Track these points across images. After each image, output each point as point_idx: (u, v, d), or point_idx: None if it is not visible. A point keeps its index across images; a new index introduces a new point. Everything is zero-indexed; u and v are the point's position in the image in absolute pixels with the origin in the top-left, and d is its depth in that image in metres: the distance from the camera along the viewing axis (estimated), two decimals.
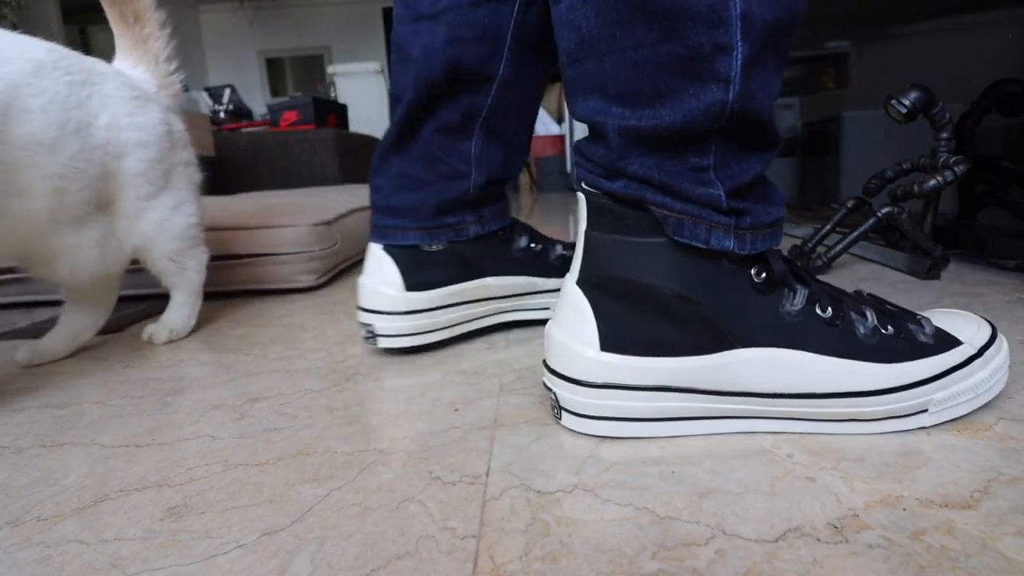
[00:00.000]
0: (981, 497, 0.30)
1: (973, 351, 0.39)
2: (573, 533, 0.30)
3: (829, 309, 0.38)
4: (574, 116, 0.41)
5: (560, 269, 0.66)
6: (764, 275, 0.38)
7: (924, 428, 0.38)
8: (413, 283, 0.58)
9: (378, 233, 0.60)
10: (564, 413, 0.41)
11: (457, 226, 0.60)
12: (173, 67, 0.74)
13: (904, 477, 0.33)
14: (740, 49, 0.32)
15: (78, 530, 0.33)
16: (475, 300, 0.62)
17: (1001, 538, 0.27)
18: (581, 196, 0.41)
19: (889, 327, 0.38)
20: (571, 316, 0.40)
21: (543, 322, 0.67)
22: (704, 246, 0.37)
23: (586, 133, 0.41)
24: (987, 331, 0.40)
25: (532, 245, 0.65)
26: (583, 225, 0.41)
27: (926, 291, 0.72)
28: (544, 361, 0.43)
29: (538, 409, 0.45)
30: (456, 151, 0.58)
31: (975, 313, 0.61)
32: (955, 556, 0.26)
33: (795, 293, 0.38)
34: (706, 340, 0.37)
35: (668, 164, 0.36)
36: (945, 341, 0.39)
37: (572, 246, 0.67)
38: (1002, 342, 0.40)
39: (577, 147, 0.42)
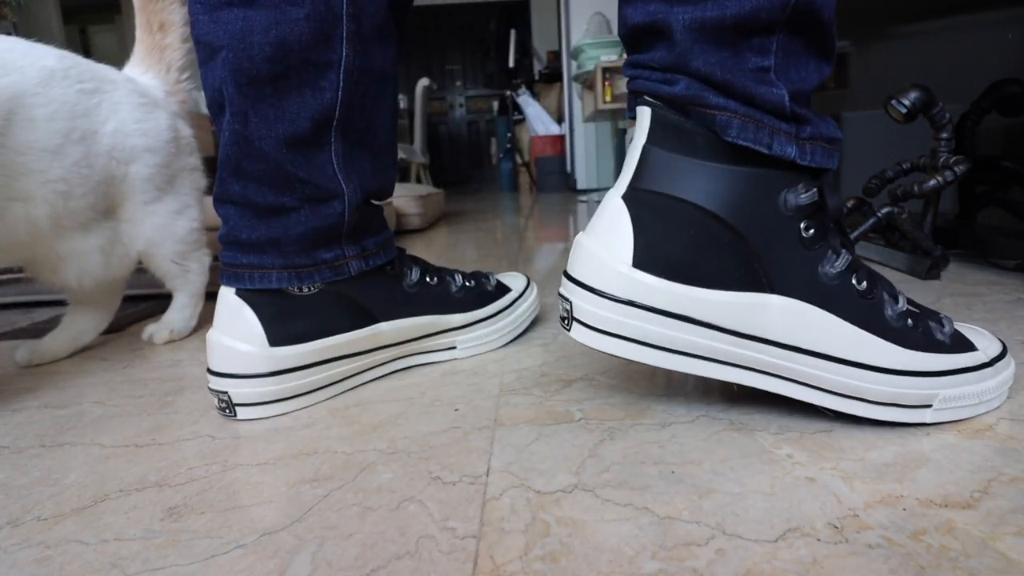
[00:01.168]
0: (981, 497, 0.30)
1: (986, 359, 0.39)
2: (573, 533, 0.30)
3: (864, 283, 0.38)
4: (630, 23, 0.39)
5: (464, 302, 0.57)
6: (812, 231, 0.38)
7: (924, 428, 0.38)
8: (279, 336, 0.47)
9: (229, 275, 0.47)
10: (576, 324, 0.39)
11: (334, 263, 0.49)
12: (185, 75, 0.75)
13: (904, 477, 0.33)
14: None
15: (78, 530, 0.33)
16: (364, 351, 0.52)
17: (1001, 538, 0.27)
18: (645, 109, 0.39)
19: (910, 320, 0.39)
20: (608, 227, 0.39)
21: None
22: (767, 151, 0.36)
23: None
24: (999, 346, 0.41)
25: (428, 279, 0.55)
26: (642, 139, 0.39)
27: (926, 291, 0.72)
28: (565, 271, 0.41)
29: (538, 409, 0.45)
30: (315, 166, 0.47)
31: (975, 313, 0.61)
32: (955, 556, 0.26)
33: (838, 256, 0.38)
34: (742, 277, 0.37)
35: (730, 63, 0.36)
36: (961, 343, 0.39)
37: (474, 276, 0.61)
38: (1011, 361, 0.41)
39: (629, 61, 0.41)
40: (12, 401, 0.54)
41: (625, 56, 0.43)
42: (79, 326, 0.69)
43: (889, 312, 0.38)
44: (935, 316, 0.41)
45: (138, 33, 0.72)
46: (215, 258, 0.80)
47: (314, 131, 0.47)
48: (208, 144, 1.56)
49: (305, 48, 0.45)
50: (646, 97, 0.39)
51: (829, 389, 0.38)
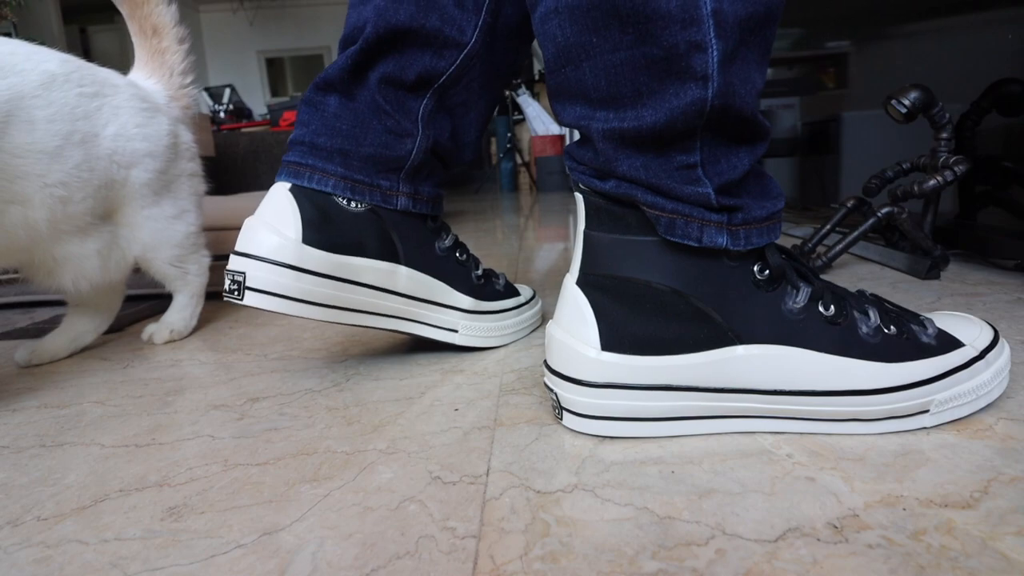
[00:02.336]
0: (981, 497, 0.30)
1: (975, 353, 0.39)
2: (573, 533, 0.30)
3: (832, 307, 0.38)
4: (560, 123, 0.41)
5: (478, 290, 0.59)
6: (767, 272, 0.38)
7: (925, 428, 0.38)
8: (313, 237, 0.48)
9: (288, 171, 0.50)
10: (565, 413, 0.41)
11: (388, 191, 0.52)
12: (188, 80, 0.75)
13: (904, 477, 0.33)
14: (715, 46, 0.33)
15: (78, 530, 0.33)
16: (376, 288, 0.52)
17: (1001, 538, 0.27)
18: (579, 196, 0.41)
19: (892, 327, 0.38)
20: (572, 316, 0.40)
21: (460, 347, 0.60)
22: (697, 244, 0.37)
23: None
24: (990, 334, 0.40)
25: (458, 253, 0.58)
26: (582, 225, 0.41)
27: (926, 291, 0.72)
28: (545, 362, 0.42)
29: (538, 409, 0.45)
30: (404, 108, 0.52)
31: (975, 313, 0.61)
32: (955, 556, 0.26)
33: (798, 291, 0.38)
34: (706, 337, 0.37)
35: (655, 164, 0.36)
36: (948, 342, 0.39)
37: (486, 272, 0.61)
38: (1004, 345, 0.41)
39: (568, 151, 0.42)
40: (12, 401, 0.54)
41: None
42: (79, 327, 0.69)
43: (864, 329, 0.38)
44: (916, 319, 0.40)
45: (134, 40, 0.72)
46: (215, 258, 0.80)
47: (416, 83, 0.52)
48: (208, 144, 1.56)
49: (441, 22, 0.50)
50: (580, 186, 0.40)
51: (823, 419, 0.38)
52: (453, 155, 0.57)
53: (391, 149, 0.52)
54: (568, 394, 0.40)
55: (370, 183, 0.51)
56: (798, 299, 0.37)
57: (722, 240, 0.36)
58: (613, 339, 0.38)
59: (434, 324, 0.57)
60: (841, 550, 0.27)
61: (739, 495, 0.32)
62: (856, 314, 0.38)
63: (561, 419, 0.41)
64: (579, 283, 0.40)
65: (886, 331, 0.38)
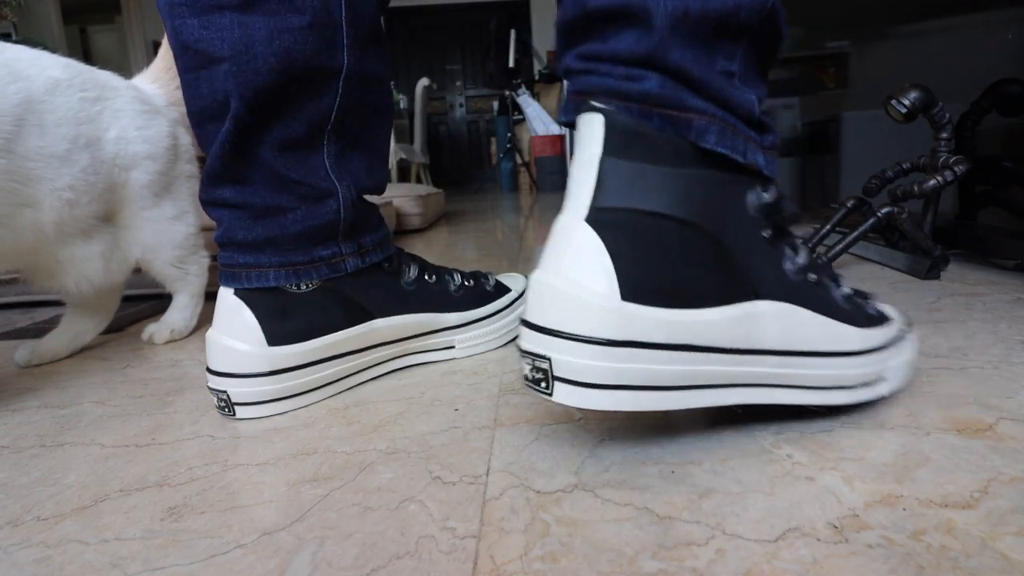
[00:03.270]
0: (981, 497, 0.30)
1: (905, 328, 0.43)
2: (573, 533, 0.30)
3: (813, 273, 0.39)
4: (588, 6, 0.34)
5: (462, 301, 0.57)
6: (771, 230, 0.37)
7: (924, 428, 0.38)
8: (277, 335, 0.47)
9: (227, 275, 0.47)
10: (559, 385, 0.33)
11: (331, 260, 0.49)
12: None
13: (904, 477, 0.33)
14: None
15: (78, 530, 0.33)
16: (360, 349, 0.52)
17: (1001, 538, 0.27)
18: (594, 117, 0.33)
19: (852, 298, 0.41)
20: (576, 258, 0.33)
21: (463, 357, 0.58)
22: (742, 159, 0.34)
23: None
24: (905, 319, 0.44)
25: (426, 277, 0.55)
26: (596, 149, 0.33)
27: (926, 291, 0.72)
28: (525, 320, 0.34)
29: (538, 409, 0.45)
30: (309, 167, 0.48)
31: (974, 313, 0.61)
32: (955, 556, 0.26)
33: (796, 252, 0.38)
34: (731, 288, 0.35)
35: (704, 60, 0.33)
36: (884, 316, 0.42)
37: (473, 275, 0.60)
38: (915, 336, 0.44)
39: (580, 54, 0.35)
40: (12, 401, 0.54)
41: (560, 48, 0.38)
42: (79, 326, 0.69)
43: (836, 295, 0.39)
44: (862, 294, 0.42)
45: (161, 53, 0.74)
46: (214, 258, 0.81)
47: (309, 135, 0.47)
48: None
49: (308, 57, 0.44)
50: (596, 101, 0.34)
51: (817, 385, 0.38)
52: (374, 185, 0.53)
53: (317, 217, 0.48)
54: (572, 357, 0.32)
55: (311, 260, 0.48)
56: (797, 260, 0.38)
57: (760, 159, 0.35)
58: (637, 288, 0.32)
59: (429, 350, 0.57)
60: (841, 550, 0.27)
61: (739, 495, 0.32)
62: (830, 281, 0.40)
63: (550, 393, 0.33)
64: (589, 220, 0.33)
65: (850, 298, 0.40)
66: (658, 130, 0.33)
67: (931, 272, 0.77)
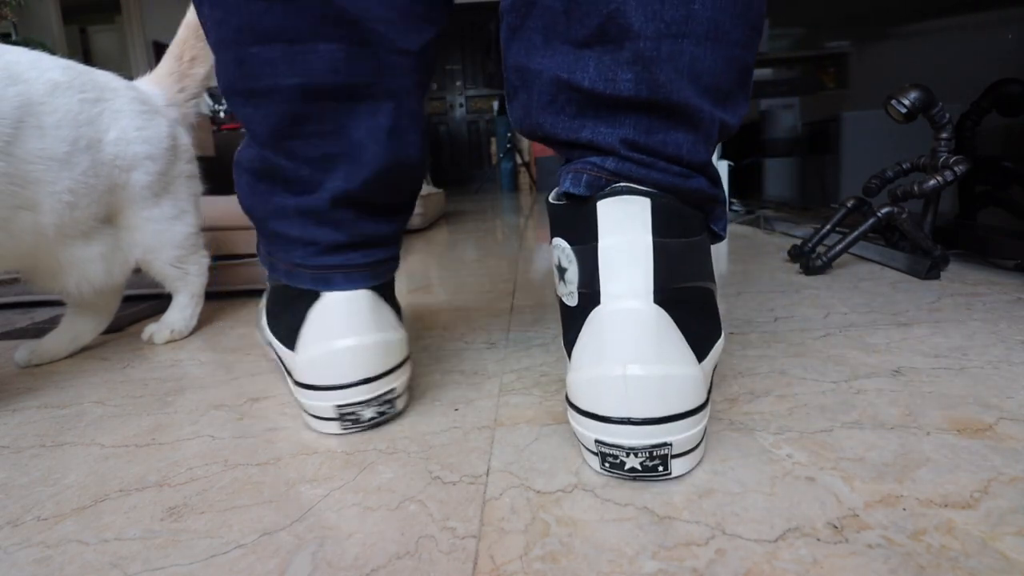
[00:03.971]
0: (981, 497, 0.30)
1: None
2: (573, 533, 0.30)
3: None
4: (677, 98, 0.34)
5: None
6: None
7: (924, 428, 0.38)
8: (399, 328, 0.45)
9: (363, 275, 0.44)
10: (676, 461, 0.33)
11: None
12: (192, 100, 0.77)
13: (904, 477, 0.33)
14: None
15: (78, 530, 0.33)
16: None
17: (1001, 538, 0.27)
18: (641, 200, 0.34)
19: None
20: (661, 342, 0.33)
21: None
22: (724, 236, 0.41)
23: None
24: None
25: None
26: (645, 233, 0.34)
27: (926, 291, 0.72)
28: (627, 417, 0.33)
29: (538, 409, 0.45)
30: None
31: (975, 313, 0.61)
32: (955, 556, 0.26)
33: None
34: (715, 334, 0.39)
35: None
36: None
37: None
38: None
39: (633, 144, 0.35)
40: (12, 401, 0.54)
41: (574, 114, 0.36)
42: (79, 327, 0.69)
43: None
44: None
45: (167, 57, 0.75)
46: (214, 258, 0.81)
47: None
48: (208, 144, 1.56)
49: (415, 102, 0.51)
50: (641, 186, 0.34)
51: None
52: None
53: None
54: (687, 432, 0.33)
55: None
56: None
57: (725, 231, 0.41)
58: (699, 354, 0.35)
59: None
60: (841, 550, 0.27)
61: (739, 495, 0.32)
62: None
63: (669, 472, 0.33)
64: (658, 302, 0.34)
65: None
66: (692, 210, 0.36)
67: (931, 272, 0.77)
